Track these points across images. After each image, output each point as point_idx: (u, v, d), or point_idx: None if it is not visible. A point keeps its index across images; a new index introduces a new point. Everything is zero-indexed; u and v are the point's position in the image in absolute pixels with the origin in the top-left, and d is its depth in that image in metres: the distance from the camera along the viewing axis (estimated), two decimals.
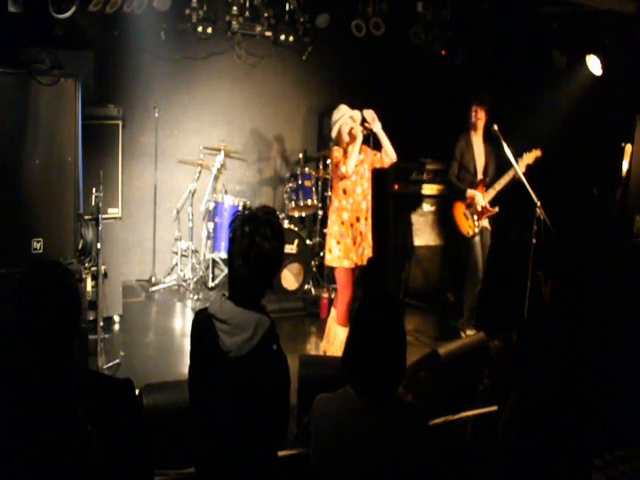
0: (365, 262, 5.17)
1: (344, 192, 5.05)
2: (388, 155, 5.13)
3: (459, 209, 6.04)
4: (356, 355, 2.36)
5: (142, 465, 2.08)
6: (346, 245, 5.03)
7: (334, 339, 5.12)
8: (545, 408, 2.46)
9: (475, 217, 5.95)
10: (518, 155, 5.75)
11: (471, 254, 5.98)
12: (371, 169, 5.19)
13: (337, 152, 5.05)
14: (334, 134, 5.10)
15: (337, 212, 5.08)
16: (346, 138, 5.03)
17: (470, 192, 5.96)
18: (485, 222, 6.02)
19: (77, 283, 2.10)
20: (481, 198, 5.91)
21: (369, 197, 5.15)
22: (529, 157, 5.74)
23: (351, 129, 5.02)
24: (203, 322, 2.38)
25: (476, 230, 5.96)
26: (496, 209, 5.94)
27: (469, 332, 5.97)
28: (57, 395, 1.93)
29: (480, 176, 6.05)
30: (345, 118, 5.05)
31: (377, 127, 5.06)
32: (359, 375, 2.34)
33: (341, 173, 4.98)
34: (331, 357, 4.81)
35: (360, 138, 5.00)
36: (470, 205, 5.98)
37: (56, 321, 1.98)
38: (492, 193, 5.93)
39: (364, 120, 5.10)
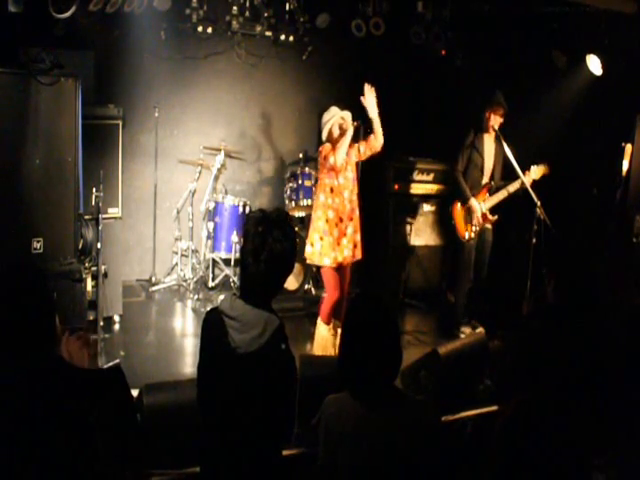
0: (350, 263, 5.10)
1: (331, 190, 4.96)
2: (378, 139, 5.03)
3: (459, 211, 5.96)
4: (351, 354, 2.39)
5: (133, 436, 2.10)
6: (329, 242, 4.94)
7: (316, 335, 5.12)
8: (545, 411, 2.45)
9: (474, 221, 5.88)
10: (526, 168, 5.66)
11: (464, 255, 5.98)
12: (363, 158, 5.16)
13: (326, 146, 5.00)
14: (325, 135, 5.05)
15: (323, 208, 4.97)
16: (336, 132, 4.98)
17: (472, 203, 5.84)
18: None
19: (45, 282, 2.11)
20: (480, 210, 5.83)
21: (355, 199, 5.06)
22: (536, 172, 5.66)
23: (341, 124, 4.98)
24: (213, 320, 2.41)
25: (473, 235, 5.91)
26: (495, 217, 5.87)
27: (464, 329, 6.00)
28: (40, 392, 1.95)
29: (486, 179, 5.94)
30: (336, 118, 5.01)
31: (374, 110, 4.96)
32: (356, 375, 2.35)
33: (330, 165, 4.88)
34: (332, 357, 4.81)
35: (351, 130, 4.93)
36: (470, 209, 5.90)
37: (22, 321, 1.99)
38: (495, 200, 5.85)
39: (354, 119, 5.06)
